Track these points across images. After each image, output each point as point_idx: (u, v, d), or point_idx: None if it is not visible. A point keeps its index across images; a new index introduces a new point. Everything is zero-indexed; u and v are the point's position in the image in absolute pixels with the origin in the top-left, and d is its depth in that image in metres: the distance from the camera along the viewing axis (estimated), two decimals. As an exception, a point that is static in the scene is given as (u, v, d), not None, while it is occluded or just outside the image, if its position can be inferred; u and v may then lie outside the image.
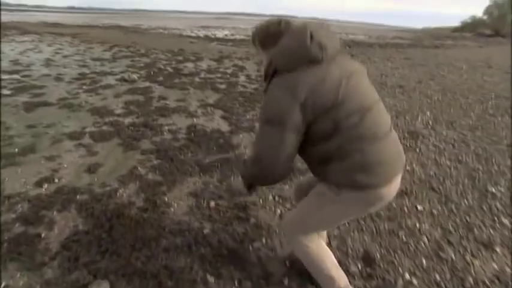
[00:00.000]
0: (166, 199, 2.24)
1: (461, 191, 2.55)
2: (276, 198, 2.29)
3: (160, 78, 6.23)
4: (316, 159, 1.12)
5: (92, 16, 49.31)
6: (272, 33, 1.15)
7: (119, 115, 4.08)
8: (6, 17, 27.99)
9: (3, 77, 6.01)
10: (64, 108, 4.34)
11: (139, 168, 2.67)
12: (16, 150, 2.97)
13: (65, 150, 3.05)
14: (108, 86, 5.61)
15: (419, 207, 2.31)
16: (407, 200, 2.40)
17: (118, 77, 6.40)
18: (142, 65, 7.86)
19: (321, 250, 1.33)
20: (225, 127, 3.74)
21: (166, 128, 3.64)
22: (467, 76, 8.51)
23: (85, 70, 7.08)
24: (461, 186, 2.63)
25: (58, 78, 6.15)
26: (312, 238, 1.30)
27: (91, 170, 2.63)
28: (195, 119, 3.99)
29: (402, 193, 2.48)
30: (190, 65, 8.07)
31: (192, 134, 3.46)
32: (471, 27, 62.91)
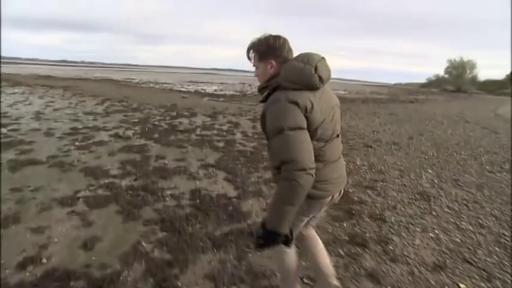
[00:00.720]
0: (179, 284, 1.91)
1: (499, 263, 2.36)
2: (305, 279, 2.01)
3: (156, 135, 6.09)
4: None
5: (83, 69, 50.72)
6: (272, 46, 1.28)
7: (115, 176, 3.80)
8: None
9: (-12, 132, 5.71)
10: (54, 168, 4.04)
11: (143, 243, 2.35)
12: (-3, 220, 2.59)
13: (55, 219, 2.70)
14: (101, 143, 5.39)
15: (461, 286, 2.08)
16: (445, 276, 2.17)
17: (111, 132, 6.22)
18: (136, 120, 7.76)
19: (293, 260, 1.58)
20: (231, 191, 3.52)
21: (168, 192, 3.37)
22: (452, 131, 8.94)
23: (77, 125, 6.89)
24: (495, 256, 2.46)
25: (48, 133, 5.91)
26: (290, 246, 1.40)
27: (87, 246, 2.28)
28: (197, 182, 3.76)
29: (436, 267, 2.27)
30: (184, 120, 8.06)
31: (197, 200, 3.20)
32: (436, 83, 69.89)
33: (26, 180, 3.57)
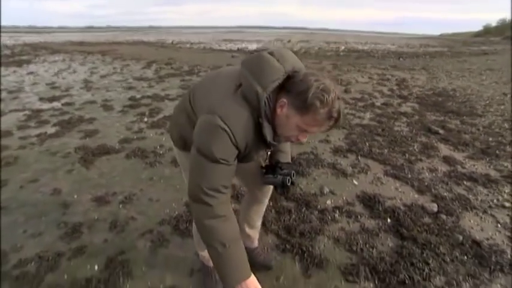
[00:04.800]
0: None
1: None
2: None
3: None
4: None
5: (112, 34, 49.73)
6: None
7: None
8: (35, 39, 28.03)
9: (44, 107, 4.74)
10: (135, 159, 2.93)
11: None
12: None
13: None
14: (176, 117, 4.20)
15: None
16: None
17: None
18: (198, 85, 6.50)
19: None
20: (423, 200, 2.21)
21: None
22: None
23: (134, 93, 5.78)
24: None
25: (106, 106, 4.83)
26: None
27: None
28: (355, 181, 2.48)
29: None
30: (255, 83, 6.63)
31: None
32: (499, 31, 60.31)
33: (109, 183, 2.49)
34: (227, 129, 0.91)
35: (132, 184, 2.46)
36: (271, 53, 0.97)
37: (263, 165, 1.30)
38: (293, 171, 1.21)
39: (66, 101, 5.09)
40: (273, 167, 1.25)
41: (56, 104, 4.89)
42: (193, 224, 1.17)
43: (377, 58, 13.58)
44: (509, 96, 6.03)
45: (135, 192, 2.34)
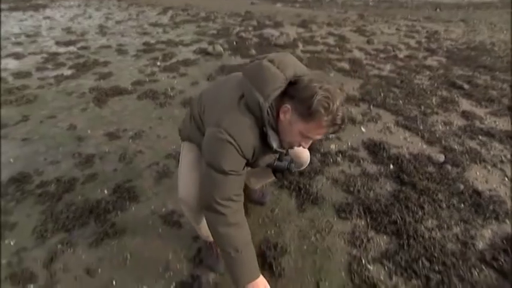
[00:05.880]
0: None
1: None
2: None
3: (253, 51, 4.63)
4: None
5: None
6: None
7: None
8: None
9: (60, 50, 4.79)
10: (147, 100, 2.99)
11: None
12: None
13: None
14: (188, 62, 4.16)
15: None
16: None
17: (193, 48, 4.92)
18: (214, 31, 6.28)
19: None
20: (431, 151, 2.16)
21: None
22: None
23: (148, 39, 5.67)
24: None
25: (121, 51, 4.82)
26: None
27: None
28: (363, 129, 2.44)
29: None
30: (273, 32, 6.25)
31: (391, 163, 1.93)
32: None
33: (120, 121, 2.58)
34: (233, 142, 0.92)
35: (142, 122, 2.55)
36: (271, 60, 0.95)
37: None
38: (292, 159, 1.25)
39: (82, 45, 5.10)
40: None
41: (72, 48, 4.92)
42: (183, 208, 1.22)
43: (410, 9, 12.34)
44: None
45: (144, 130, 2.43)
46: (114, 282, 1.33)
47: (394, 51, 5.07)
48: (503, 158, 2.28)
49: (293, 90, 0.92)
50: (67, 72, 3.78)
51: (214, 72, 3.75)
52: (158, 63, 4.16)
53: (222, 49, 4.53)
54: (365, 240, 1.52)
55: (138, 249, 1.47)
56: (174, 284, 1.32)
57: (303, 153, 1.37)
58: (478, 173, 2.08)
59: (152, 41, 5.47)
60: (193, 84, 3.39)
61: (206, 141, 0.99)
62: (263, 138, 0.99)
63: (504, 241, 1.57)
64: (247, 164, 1.05)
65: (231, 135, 0.93)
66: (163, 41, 5.50)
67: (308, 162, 1.41)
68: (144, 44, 5.28)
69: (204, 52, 4.56)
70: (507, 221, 1.70)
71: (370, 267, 1.41)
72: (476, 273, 1.40)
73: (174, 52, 4.74)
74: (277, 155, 1.19)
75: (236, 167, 0.97)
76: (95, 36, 5.95)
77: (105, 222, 1.60)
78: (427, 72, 4.10)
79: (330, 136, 2.38)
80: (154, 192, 1.79)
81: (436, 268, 1.39)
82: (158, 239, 1.52)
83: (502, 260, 1.46)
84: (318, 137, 0.96)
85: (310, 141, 0.99)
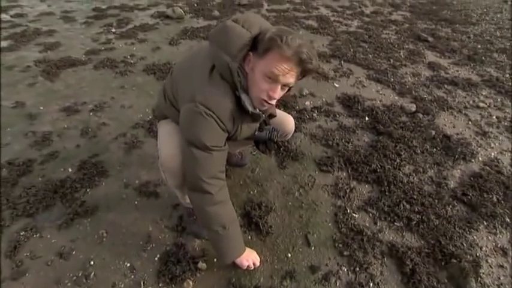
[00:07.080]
0: None
1: None
2: None
3: (216, 13, 4.32)
4: None
5: None
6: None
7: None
8: None
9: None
10: (105, 70, 2.71)
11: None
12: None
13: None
14: (147, 27, 3.80)
15: None
16: None
17: (151, 12, 4.49)
18: (170, -7, 5.75)
19: None
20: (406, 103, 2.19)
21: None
22: None
23: (98, 4, 5.06)
24: None
25: (67, 18, 4.26)
26: None
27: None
28: (336, 84, 2.40)
29: None
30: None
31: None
32: None
33: (77, 94, 2.32)
34: (212, 114, 0.88)
35: (102, 93, 2.31)
36: (235, 20, 0.91)
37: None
38: (274, 128, 1.18)
39: (16, 12, 4.43)
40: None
41: (4, 16, 4.26)
42: (166, 176, 1.11)
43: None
44: (509, 3, 5.68)
45: (105, 101, 2.21)
46: (92, 262, 1.23)
47: (360, 7, 5.00)
48: (466, 104, 2.40)
49: (256, 43, 0.88)
50: (3, 43, 3.28)
51: (176, 36, 3.46)
52: (113, 30, 3.75)
53: (182, 12, 4.17)
54: (348, 191, 1.54)
55: (115, 224, 1.37)
56: (158, 255, 1.26)
57: (287, 120, 1.32)
58: (446, 119, 2.17)
59: (103, 6, 4.89)
60: (154, 50, 3.11)
61: (183, 118, 0.93)
62: (240, 105, 0.94)
63: (471, 178, 1.68)
64: (228, 138, 1.00)
65: (208, 107, 0.88)
66: (115, 5, 4.93)
67: (293, 130, 1.36)
68: (95, 9, 4.70)
69: (163, 16, 4.18)
70: (473, 160, 1.81)
71: (356, 215, 1.44)
72: (450, 209, 1.48)
73: (130, 17, 4.29)
74: (257, 125, 1.11)
75: (218, 142, 0.94)
76: (31, 2, 5.18)
77: (73, 201, 1.46)
78: (393, 27, 4.12)
79: (304, 93, 2.33)
80: (124, 164, 1.65)
81: (416, 209, 1.46)
82: (135, 212, 1.42)
83: (471, 195, 1.56)
84: (286, 78, 0.86)
85: (279, 88, 0.89)
